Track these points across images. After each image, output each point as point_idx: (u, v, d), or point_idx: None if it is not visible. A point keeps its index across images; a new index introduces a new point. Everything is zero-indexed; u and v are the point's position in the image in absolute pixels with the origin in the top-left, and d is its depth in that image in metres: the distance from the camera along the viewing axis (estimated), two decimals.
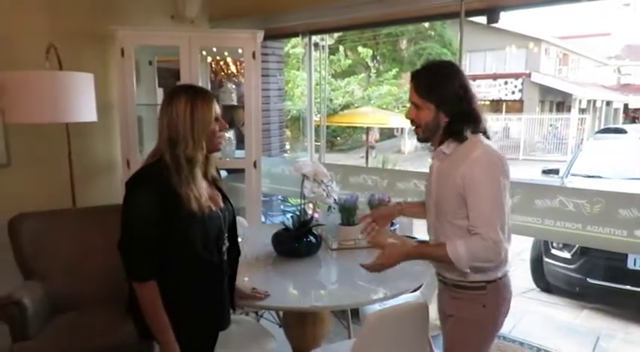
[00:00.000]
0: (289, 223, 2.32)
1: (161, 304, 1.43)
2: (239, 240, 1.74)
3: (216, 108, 1.53)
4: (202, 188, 1.53)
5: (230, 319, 1.67)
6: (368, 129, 12.00)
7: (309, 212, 2.63)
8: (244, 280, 1.89)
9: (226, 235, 1.62)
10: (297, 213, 2.34)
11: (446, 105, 1.48)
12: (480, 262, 1.45)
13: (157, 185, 1.43)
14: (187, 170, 1.46)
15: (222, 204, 1.62)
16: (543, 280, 4.38)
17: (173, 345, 1.44)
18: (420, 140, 1.60)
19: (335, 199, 2.31)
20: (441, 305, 1.73)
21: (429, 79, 1.51)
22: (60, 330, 2.21)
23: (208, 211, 1.51)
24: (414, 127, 1.58)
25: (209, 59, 3.62)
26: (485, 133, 1.53)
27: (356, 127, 14.49)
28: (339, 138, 16.38)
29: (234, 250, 1.70)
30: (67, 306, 2.35)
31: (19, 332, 2.10)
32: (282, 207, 4.51)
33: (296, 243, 2.27)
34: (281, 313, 2.65)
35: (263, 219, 3.75)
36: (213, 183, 1.64)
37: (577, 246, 3.85)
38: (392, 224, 3.03)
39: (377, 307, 2.35)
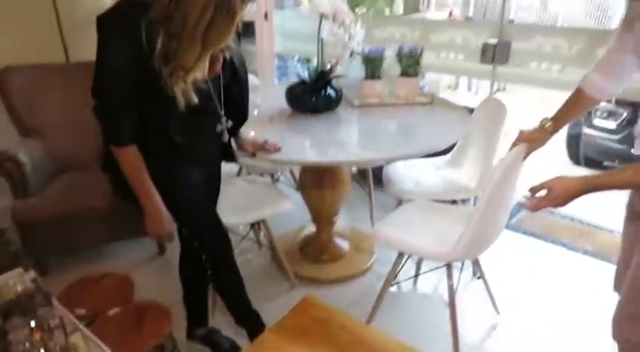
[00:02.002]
0: (305, 75, 2.03)
1: (144, 167, 1.24)
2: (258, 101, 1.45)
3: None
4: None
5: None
6: None
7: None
8: (250, 134, 1.66)
9: (223, 112, 1.36)
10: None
11: None
12: None
13: (136, 33, 1.06)
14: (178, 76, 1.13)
15: (218, 70, 1.30)
16: (578, 153, 4.10)
17: (156, 209, 1.28)
18: None
19: (358, 42, 1.96)
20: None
21: None
22: (60, 188, 2.12)
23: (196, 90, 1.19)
24: None
25: None
26: None
27: None
28: None
29: (240, 117, 1.49)
30: (68, 165, 2.24)
31: (19, 188, 2.02)
32: (298, 68, 4.13)
33: (313, 96, 2.00)
34: (297, 176, 2.48)
35: (277, 82, 3.45)
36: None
37: (625, 115, 3.50)
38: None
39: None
